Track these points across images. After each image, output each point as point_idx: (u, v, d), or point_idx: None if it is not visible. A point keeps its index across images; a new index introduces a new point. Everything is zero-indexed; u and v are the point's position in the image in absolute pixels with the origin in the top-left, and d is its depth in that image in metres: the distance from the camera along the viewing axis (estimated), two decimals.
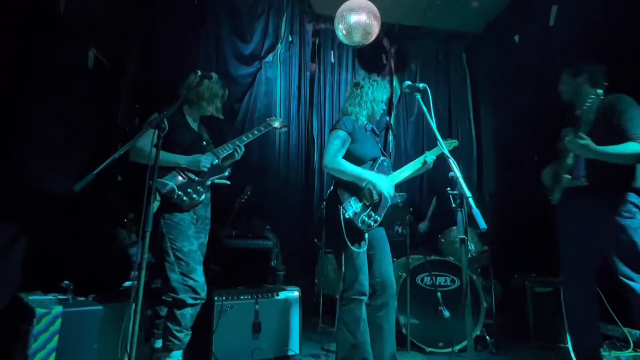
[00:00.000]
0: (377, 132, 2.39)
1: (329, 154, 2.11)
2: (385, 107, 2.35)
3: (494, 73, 4.48)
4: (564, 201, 2.35)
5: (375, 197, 2.12)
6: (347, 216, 2.04)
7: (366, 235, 2.11)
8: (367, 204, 2.11)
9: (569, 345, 2.46)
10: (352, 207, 2.07)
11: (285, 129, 2.89)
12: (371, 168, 2.19)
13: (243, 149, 2.33)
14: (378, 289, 2.15)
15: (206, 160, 2.17)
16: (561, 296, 2.65)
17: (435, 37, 4.71)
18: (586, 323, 2.43)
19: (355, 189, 2.12)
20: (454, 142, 2.49)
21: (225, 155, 2.29)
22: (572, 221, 2.33)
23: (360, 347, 2.03)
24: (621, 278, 2.11)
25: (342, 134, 2.14)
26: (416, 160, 2.32)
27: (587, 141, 2.01)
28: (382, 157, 2.25)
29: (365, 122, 2.28)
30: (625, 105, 2.10)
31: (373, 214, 2.11)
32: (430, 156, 2.29)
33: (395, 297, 2.20)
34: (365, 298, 2.07)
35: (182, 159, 2.14)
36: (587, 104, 2.02)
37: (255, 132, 2.41)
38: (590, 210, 2.20)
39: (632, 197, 2.09)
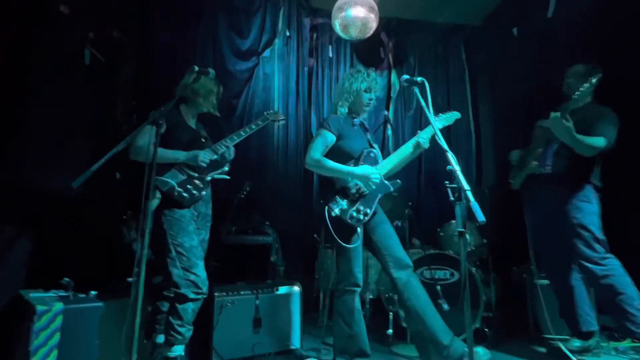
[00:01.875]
0: (367, 126, 2.36)
1: (310, 151, 2.14)
2: (372, 97, 2.27)
3: (493, 66, 4.45)
4: (528, 187, 2.57)
5: (361, 190, 2.11)
6: (333, 214, 2.04)
7: (358, 229, 2.11)
8: (354, 199, 2.11)
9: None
10: (338, 205, 2.07)
11: (283, 121, 2.88)
12: (358, 160, 2.18)
13: (232, 150, 2.32)
14: (394, 271, 2.12)
15: (204, 156, 2.18)
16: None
17: (434, 30, 4.66)
18: (576, 309, 2.46)
19: (340, 185, 2.12)
20: (456, 114, 2.39)
21: (223, 151, 2.29)
22: (539, 206, 2.54)
23: (356, 337, 2.05)
24: (582, 262, 2.30)
25: (325, 132, 2.17)
26: (407, 143, 2.23)
27: (571, 124, 2.17)
28: (368, 149, 2.23)
29: (351, 115, 2.27)
30: (609, 114, 2.36)
31: (362, 208, 2.10)
32: (423, 136, 2.22)
33: (414, 273, 2.13)
34: (358, 289, 2.10)
35: (180, 155, 2.15)
36: (579, 92, 2.14)
37: (253, 126, 2.41)
38: (553, 195, 2.42)
39: (589, 188, 2.38)
